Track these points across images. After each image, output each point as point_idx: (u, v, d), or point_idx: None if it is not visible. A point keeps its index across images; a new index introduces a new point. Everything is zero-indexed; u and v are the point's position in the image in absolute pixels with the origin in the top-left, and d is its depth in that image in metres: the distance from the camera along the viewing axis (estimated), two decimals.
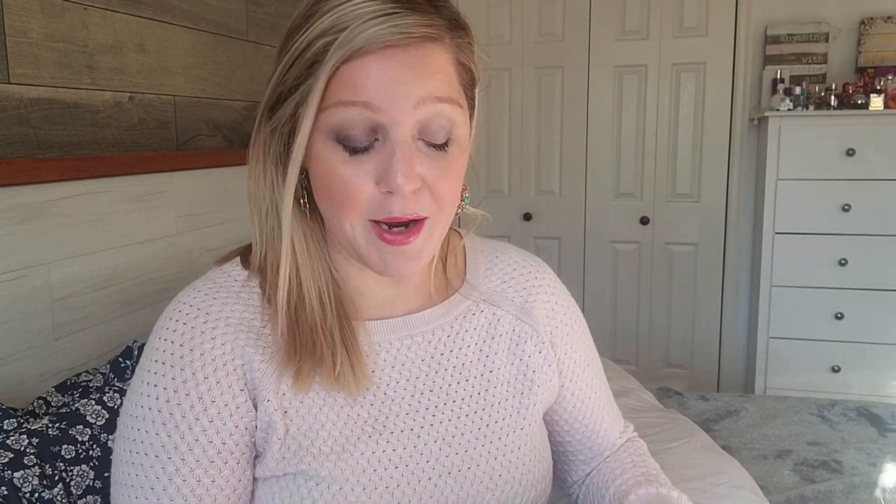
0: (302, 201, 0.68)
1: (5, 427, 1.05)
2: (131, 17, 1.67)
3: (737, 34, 2.91)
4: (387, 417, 0.70)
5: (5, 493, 0.95)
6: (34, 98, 1.40)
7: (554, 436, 0.86)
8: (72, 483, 1.04)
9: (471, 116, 0.69)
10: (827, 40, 2.80)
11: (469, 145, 0.68)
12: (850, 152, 2.57)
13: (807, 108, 2.65)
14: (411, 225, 0.64)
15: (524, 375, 0.78)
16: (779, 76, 2.79)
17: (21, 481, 0.97)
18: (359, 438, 0.68)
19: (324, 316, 0.68)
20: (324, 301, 0.68)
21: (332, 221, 0.67)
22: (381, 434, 0.69)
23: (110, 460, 1.07)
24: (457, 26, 0.65)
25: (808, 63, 2.82)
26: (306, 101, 0.61)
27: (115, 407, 1.15)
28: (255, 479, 0.69)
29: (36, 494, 0.98)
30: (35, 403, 1.21)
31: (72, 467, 1.05)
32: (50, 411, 1.19)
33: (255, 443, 0.68)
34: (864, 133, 2.57)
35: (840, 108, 2.60)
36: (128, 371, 1.32)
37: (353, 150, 0.62)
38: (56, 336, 1.36)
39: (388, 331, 0.73)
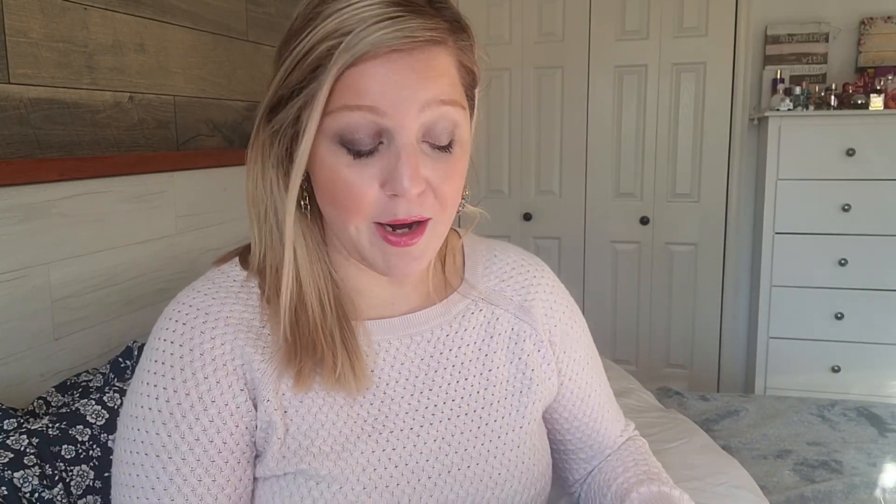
0: (303, 203, 0.68)
1: (5, 427, 1.05)
2: (131, 17, 1.67)
3: (737, 34, 2.91)
4: (386, 416, 0.70)
5: (5, 493, 0.95)
6: (34, 98, 1.40)
7: (554, 434, 0.86)
8: (72, 483, 1.04)
9: (471, 116, 0.69)
10: (827, 40, 2.80)
11: (470, 145, 0.68)
12: (850, 152, 2.57)
13: (807, 108, 2.65)
14: (415, 226, 0.64)
15: (523, 374, 0.78)
16: (779, 76, 2.79)
17: (21, 481, 0.97)
18: (358, 437, 0.68)
19: (324, 317, 0.68)
20: (323, 302, 0.68)
21: (335, 224, 0.67)
22: (380, 433, 0.69)
23: (110, 460, 1.07)
24: (458, 28, 0.65)
25: (808, 63, 2.82)
26: (311, 106, 0.61)
27: (115, 407, 1.15)
28: (255, 479, 0.69)
29: (36, 494, 0.98)
30: (35, 403, 1.21)
31: (72, 467, 1.05)
32: (50, 411, 1.19)
33: (255, 442, 0.68)
34: (864, 133, 2.57)
35: (840, 108, 2.60)
36: (128, 371, 1.32)
37: (358, 154, 0.62)
38: (56, 336, 1.36)
39: (388, 330, 0.73)
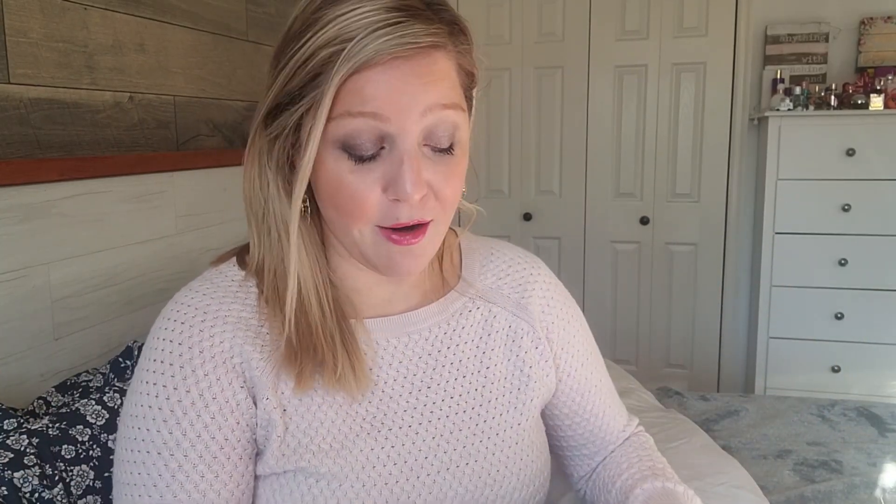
0: (304, 206, 0.67)
1: (5, 427, 1.05)
2: (131, 17, 1.67)
3: (737, 34, 2.91)
4: (385, 415, 0.71)
5: (5, 493, 0.95)
6: (34, 98, 1.40)
7: (557, 431, 0.86)
8: (72, 483, 1.04)
9: (469, 117, 0.70)
10: (827, 40, 2.80)
11: (468, 146, 0.69)
12: (850, 152, 2.57)
13: (807, 108, 2.65)
14: (416, 227, 0.65)
15: (521, 371, 0.79)
16: (779, 76, 2.79)
17: (21, 481, 0.97)
18: (357, 435, 0.68)
19: (323, 319, 0.68)
20: (323, 304, 0.69)
21: (337, 227, 0.67)
22: (379, 431, 0.70)
23: (110, 460, 1.07)
24: (457, 31, 0.65)
25: (808, 63, 2.82)
26: (314, 115, 0.61)
27: (115, 407, 1.15)
28: (256, 477, 0.69)
29: (36, 494, 0.98)
30: (35, 403, 1.22)
31: (72, 467, 1.05)
32: (50, 411, 1.19)
33: (255, 439, 0.68)
34: (864, 133, 2.57)
35: (840, 108, 2.60)
36: (128, 371, 1.32)
37: (360, 159, 0.62)
38: (56, 336, 1.36)
39: (386, 329, 0.74)
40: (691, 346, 3.16)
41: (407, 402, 0.72)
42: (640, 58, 3.04)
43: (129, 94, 1.67)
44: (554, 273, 0.87)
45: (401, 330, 0.74)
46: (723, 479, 1.34)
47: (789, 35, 2.83)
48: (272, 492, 0.67)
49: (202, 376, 0.65)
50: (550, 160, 3.20)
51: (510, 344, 0.79)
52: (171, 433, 0.65)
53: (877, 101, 2.53)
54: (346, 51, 0.59)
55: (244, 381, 0.67)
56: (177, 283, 1.73)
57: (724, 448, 1.57)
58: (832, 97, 2.62)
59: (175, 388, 0.65)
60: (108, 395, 1.17)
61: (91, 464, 1.07)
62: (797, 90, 2.69)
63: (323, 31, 0.60)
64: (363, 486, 0.67)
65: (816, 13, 2.82)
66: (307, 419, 0.67)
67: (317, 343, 0.67)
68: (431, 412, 0.73)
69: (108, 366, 1.35)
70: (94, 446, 1.09)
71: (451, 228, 0.81)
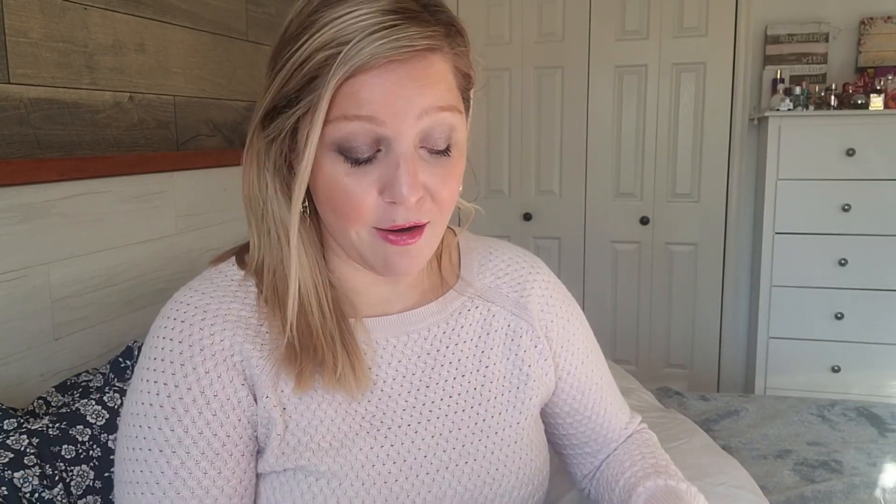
0: (302, 207, 0.67)
1: (5, 427, 1.05)
2: (131, 17, 1.67)
3: (737, 34, 2.91)
4: (384, 414, 0.71)
5: (5, 493, 0.95)
6: (34, 98, 1.40)
7: (558, 429, 0.86)
8: (72, 483, 1.04)
9: (466, 118, 0.70)
10: (827, 40, 2.80)
11: (465, 147, 0.69)
12: (850, 152, 2.57)
13: (807, 108, 2.65)
14: (413, 229, 0.65)
15: (520, 370, 0.79)
16: (779, 76, 2.79)
17: (21, 481, 0.97)
18: (357, 434, 0.69)
19: (323, 320, 0.68)
20: (323, 305, 0.69)
21: (335, 229, 0.67)
22: (378, 430, 0.70)
23: (110, 460, 1.07)
24: (454, 32, 0.65)
25: (808, 63, 2.82)
26: (310, 118, 0.61)
27: (116, 407, 1.15)
28: (256, 475, 0.69)
29: (36, 494, 0.98)
30: (35, 403, 1.22)
31: (72, 467, 1.05)
32: (50, 411, 1.19)
33: (257, 437, 0.68)
34: (864, 133, 2.57)
35: (840, 108, 2.60)
36: (128, 371, 1.32)
37: (356, 162, 0.62)
38: (56, 336, 1.36)
39: (385, 328, 0.74)
40: (691, 346, 3.16)
41: (406, 400, 0.72)
42: (640, 58, 3.04)
43: (129, 94, 1.67)
44: (554, 273, 0.87)
45: (400, 329, 0.74)
46: (723, 479, 1.34)
47: (789, 35, 2.83)
48: (272, 490, 0.68)
49: (203, 374, 0.66)
50: (550, 160, 3.20)
51: (509, 343, 0.79)
52: (172, 430, 0.65)
53: (877, 101, 2.53)
54: (342, 54, 0.59)
55: (244, 379, 0.67)
56: (177, 283, 1.73)
57: (724, 448, 1.57)
58: (832, 97, 2.62)
59: (176, 386, 0.65)
60: (108, 395, 1.17)
61: (91, 464, 1.07)
62: (797, 90, 2.69)
63: (319, 34, 0.60)
64: (363, 484, 0.67)
65: (816, 13, 2.82)
66: (307, 417, 0.68)
67: (317, 344, 0.67)
68: (430, 411, 0.73)
69: (108, 366, 1.35)
70: (95, 446, 1.09)
71: (449, 227, 0.81)
